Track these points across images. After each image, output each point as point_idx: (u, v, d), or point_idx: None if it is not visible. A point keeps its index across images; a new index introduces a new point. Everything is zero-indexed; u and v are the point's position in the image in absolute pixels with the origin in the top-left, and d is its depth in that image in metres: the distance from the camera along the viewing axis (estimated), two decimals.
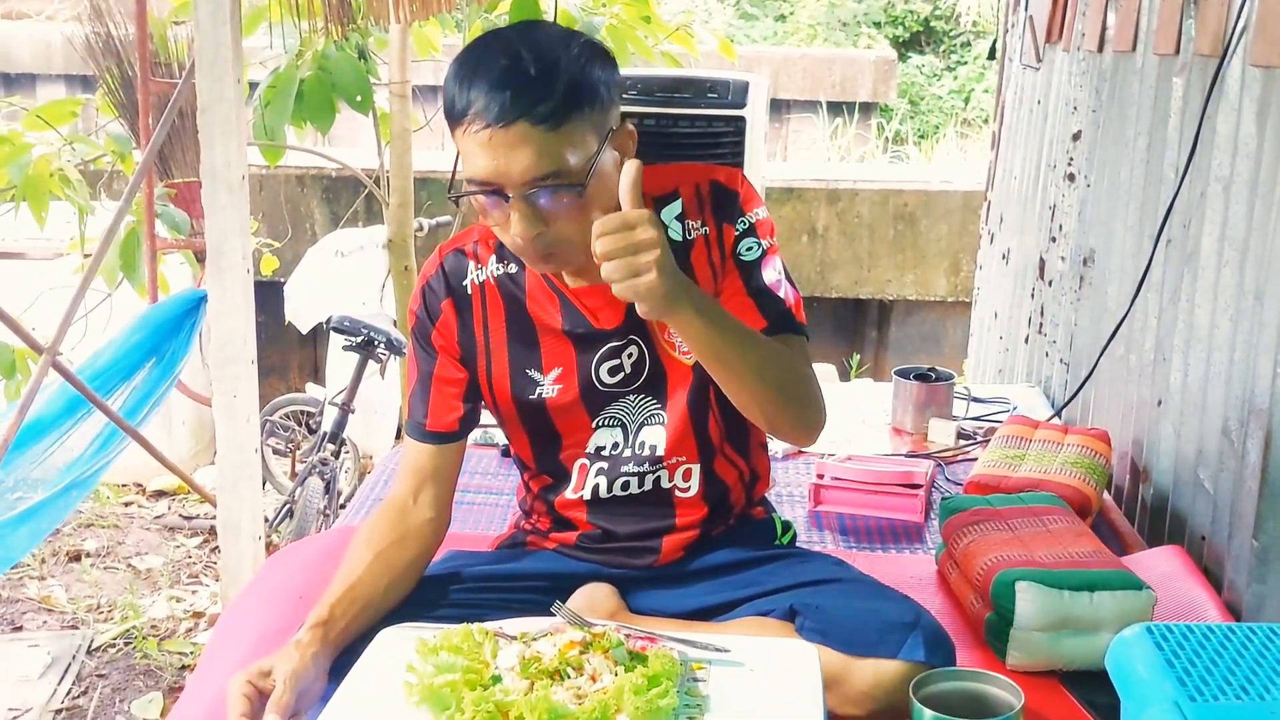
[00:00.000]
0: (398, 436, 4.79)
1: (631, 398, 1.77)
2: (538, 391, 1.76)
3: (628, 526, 1.82)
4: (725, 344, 1.56)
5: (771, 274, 1.72)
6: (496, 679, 1.44)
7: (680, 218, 1.72)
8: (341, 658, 1.58)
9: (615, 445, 1.79)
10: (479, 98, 1.49)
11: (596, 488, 1.81)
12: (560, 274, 1.72)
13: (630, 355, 1.74)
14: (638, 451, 1.78)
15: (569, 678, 1.44)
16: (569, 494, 1.83)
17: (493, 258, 1.75)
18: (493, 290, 1.75)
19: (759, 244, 1.72)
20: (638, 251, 1.41)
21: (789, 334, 1.70)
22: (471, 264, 1.76)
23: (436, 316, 1.76)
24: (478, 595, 1.74)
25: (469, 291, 1.75)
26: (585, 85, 1.52)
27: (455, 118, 1.53)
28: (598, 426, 1.79)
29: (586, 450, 1.80)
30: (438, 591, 1.75)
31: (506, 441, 2.79)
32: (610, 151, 1.58)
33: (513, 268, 1.74)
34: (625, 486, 1.80)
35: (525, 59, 1.50)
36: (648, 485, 1.80)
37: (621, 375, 1.75)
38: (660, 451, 1.78)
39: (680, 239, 1.71)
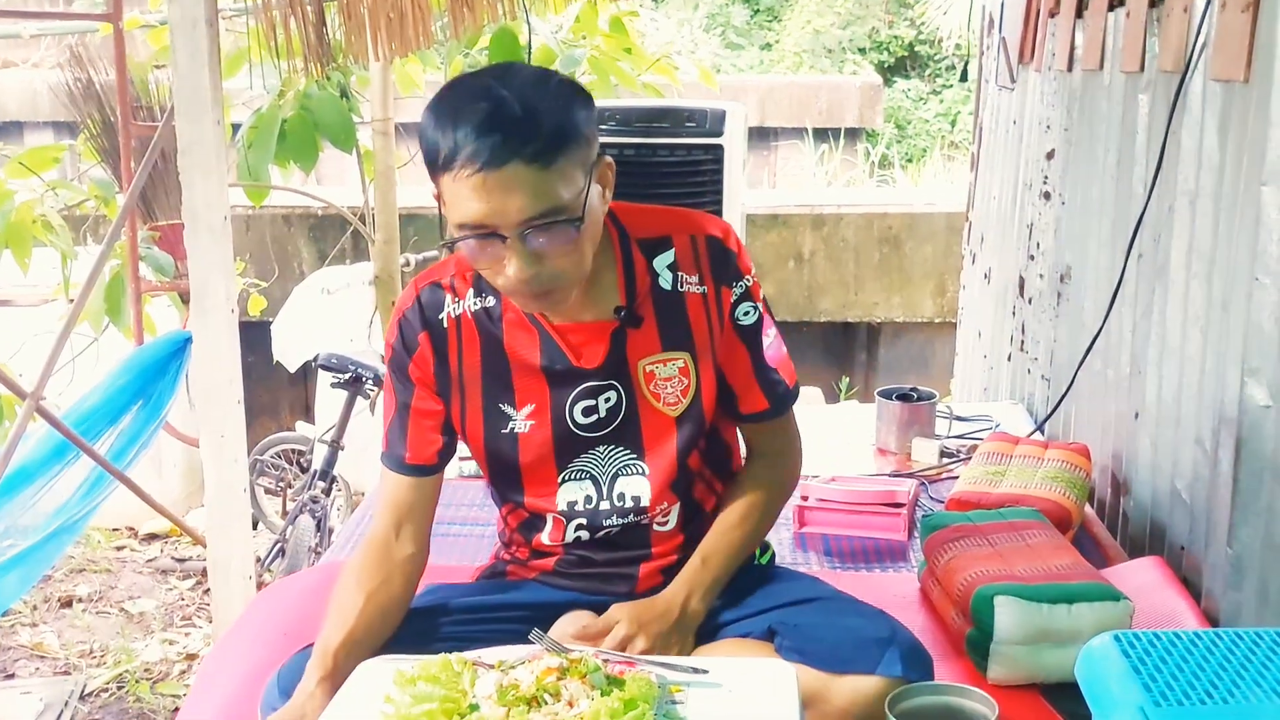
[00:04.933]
0: None
1: (602, 448, 1.77)
2: (510, 426, 1.76)
3: (605, 554, 1.83)
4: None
5: (770, 344, 1.79)
6: (474, 708, 1.45)
7: (673, 267, 1.74)
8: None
9: (589, 499, 1.78)
10: (466, 143, 1.49)
11: (579, 538, 1.82)
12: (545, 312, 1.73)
13: (608, 400, 1.75)
14: (617, 503, 1.78)
15: (546, 704, 1.45)
16: (546, 539, 1.84)
17: (470, 291, 1.74)
18: (469, 325, 1.74)
19: (754, 308, 1.77)
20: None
21: (786, 412, 1.85)
22: (448, 297, 1.75)
23: (414, 349, 1.75)
24: (463, 628, 1.74)
25: (445, 325, 1.75)
26: (569, 122, 1.54)
27: (441, 165, 1.53)
28: (564, 481, 1.78)
29: (558, 507, 1.79)
30: (425, 624, 1.76)
31: None
32: (595, 185, 1.60)
33: (490, 301, 1.73)
34: (608, 534, 1.81)
35: (508, 100, 1.51)
36: (627, 529, 1.81)
37: (595, 418, 1.75)
38: (645, 503, 1.78)
39: (670, 288, 1.74)
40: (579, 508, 1.79)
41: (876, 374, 6.00)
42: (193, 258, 2.98)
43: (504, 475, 1.81)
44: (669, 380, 1.75)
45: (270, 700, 1.68)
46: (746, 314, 1.77)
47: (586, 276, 1.64)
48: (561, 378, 1.73)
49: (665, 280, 1.74)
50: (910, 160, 10.35)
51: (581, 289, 1.68)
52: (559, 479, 1.78)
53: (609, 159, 1.66)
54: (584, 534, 1.81)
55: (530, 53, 3.94)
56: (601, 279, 1.71)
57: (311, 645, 1.70)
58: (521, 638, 1.63)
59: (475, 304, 1.74)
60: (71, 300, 3.71)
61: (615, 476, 1.78)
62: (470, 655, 1.54)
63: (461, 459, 2.98)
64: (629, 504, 1.78)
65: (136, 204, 3.51)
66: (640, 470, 1.78)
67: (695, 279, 1.74)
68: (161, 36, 3.99)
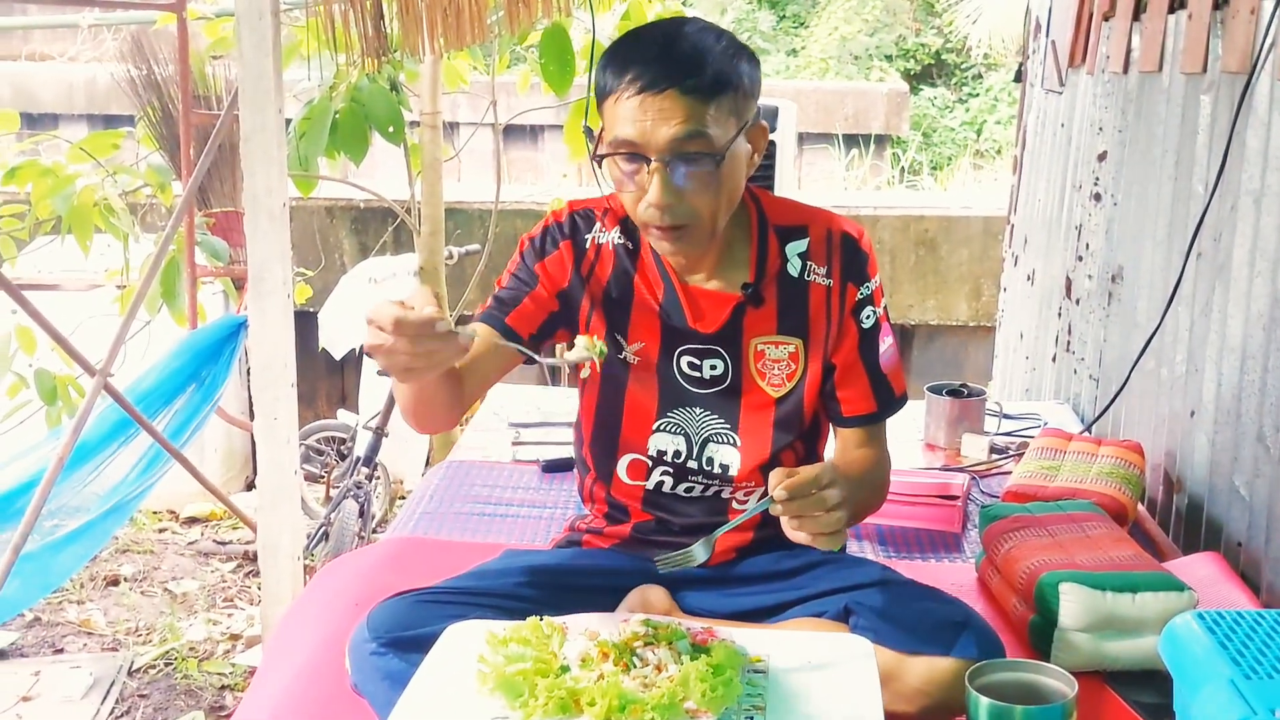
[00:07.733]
0: (428, 462, 4.83)
1: (699, 409, 1.82)
2: (623, 354, 1.83)
3: (682, 520, 1.87)
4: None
5: (885, 350, 1.83)
6: (565, 669, 1.49)
7: (804, 255, 1.80)
8: (411, 654, 1.62)
9: (678, 454, 1.84)
10: (635, 68, 1.60)
11: (661, 484, 1.87)
12: (675, 263, 1.78)
13: (714, 367, 1.81)
14: (705, 466, 1.84)
15: (635, 667, 1.49)
16: (628, 479, 1.88)
17: (617, 228, 1.83)
18: (608, 254, 1.82)
19: (875, 312, 1.82)
20: (830, 509, 1.52)
21: (888, 417, 1.87)
22: (598, 225, 1.83)
23: (549, 251, 1.82)
24: (538, 591, 1.78)
25: (587, 246, 1.83)
26: (733, 72, 1.64)
27: (608, 90, 1.64)
28: (658, 430, 1.84)
29: (648, 452, 1.85)
30: (502, 584, 1.79)
31: (548, 459, 2.84)
32: (744, 142, 1.67)
33: (631, 244, 1.82)
34: (689, 490, 1.86)
35: (680, 39, 1.63)
36: (710, 494, 1.86)
37: (697, 376, 1.81)
38: (733, 473, 1.83)
39: (797, 275, 1.79)
40: (667, 458, 1.84)
41: (910, 377, 6.01)
42: (252, 243, 3.01)
43: (609, 398, 1.86)
44: (778, 362, 1.81)
45: (359, 643, 1.70)
46: (868, 317, 1.81)
47: (719, 230, 1.70)
48: (675, 331, 1.80)
49: (794, 267, 1.79)
50: (937, 168, 10.36)
51: (714, 257, 1.76)
52: (655, 424, 1.84)
53: (765, 124, 1.74)
54: (668, 480, 1.86)
55: (591, 49, 3.96)
56: (735, 254, 1.78)
57: (402, 592, 1.74)
58: (597, 603, 1.67)
59: (619, 239, 1.83)
60: (122, 286, 3.76)
61: (706, 441, 1.83)
62: (558, 621, 1.58)
63: (515, 444, 3.03)
64: (717, 470, 1.83)
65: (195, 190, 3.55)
66: (732, 441, 1.82)
67: (824, 270, 1.79)
68: (218, 28, 4.05)
